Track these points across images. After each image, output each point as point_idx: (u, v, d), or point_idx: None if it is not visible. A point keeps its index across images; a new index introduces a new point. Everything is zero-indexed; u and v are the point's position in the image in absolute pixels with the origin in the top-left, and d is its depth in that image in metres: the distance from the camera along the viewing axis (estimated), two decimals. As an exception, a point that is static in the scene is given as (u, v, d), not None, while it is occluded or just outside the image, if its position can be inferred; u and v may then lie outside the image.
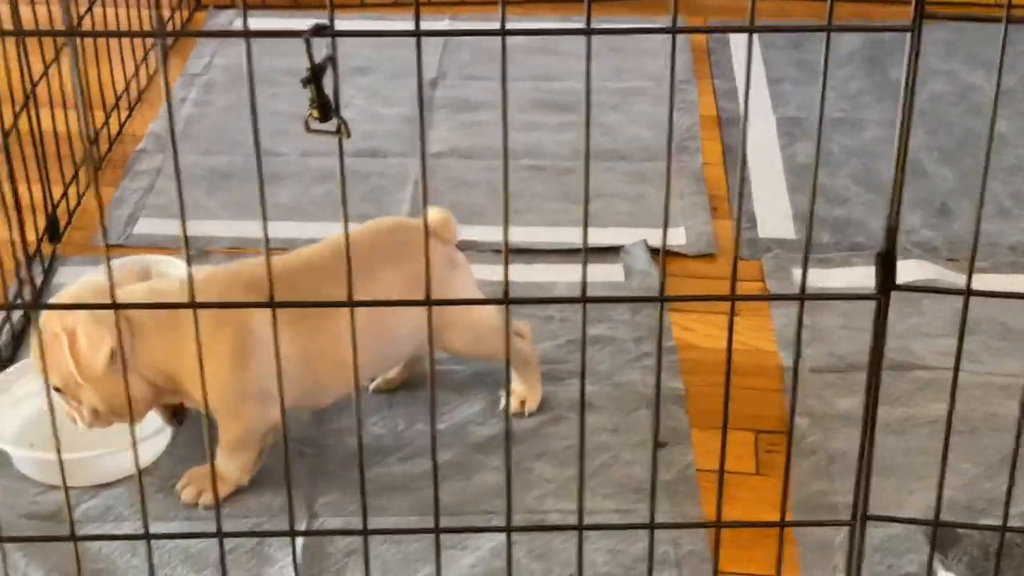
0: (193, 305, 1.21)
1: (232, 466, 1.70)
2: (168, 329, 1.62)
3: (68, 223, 2.30)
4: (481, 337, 1.80)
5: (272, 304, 1.22)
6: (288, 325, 1.61)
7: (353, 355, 1.25)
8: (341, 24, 1.09)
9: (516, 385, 1.88)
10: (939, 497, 1.31)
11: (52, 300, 1.69)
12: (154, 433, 1.74)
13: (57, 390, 1.63)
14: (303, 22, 1.07)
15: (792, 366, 1.93)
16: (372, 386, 1.89)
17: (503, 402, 1.84)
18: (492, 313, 1.81)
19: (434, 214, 1.76)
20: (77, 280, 1.75)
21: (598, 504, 1.72)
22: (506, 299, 1.21)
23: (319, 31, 1.06)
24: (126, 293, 1.63)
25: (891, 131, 2.55)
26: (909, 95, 1.11)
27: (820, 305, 2.07)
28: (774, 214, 2.35)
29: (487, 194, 2.39)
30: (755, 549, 1.67)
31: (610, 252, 2.23)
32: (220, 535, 1.32)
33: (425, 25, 1.13)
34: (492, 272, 2.16)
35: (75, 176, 2.37)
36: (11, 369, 1.85)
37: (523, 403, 1.87)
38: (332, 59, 1.08)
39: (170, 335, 1.61)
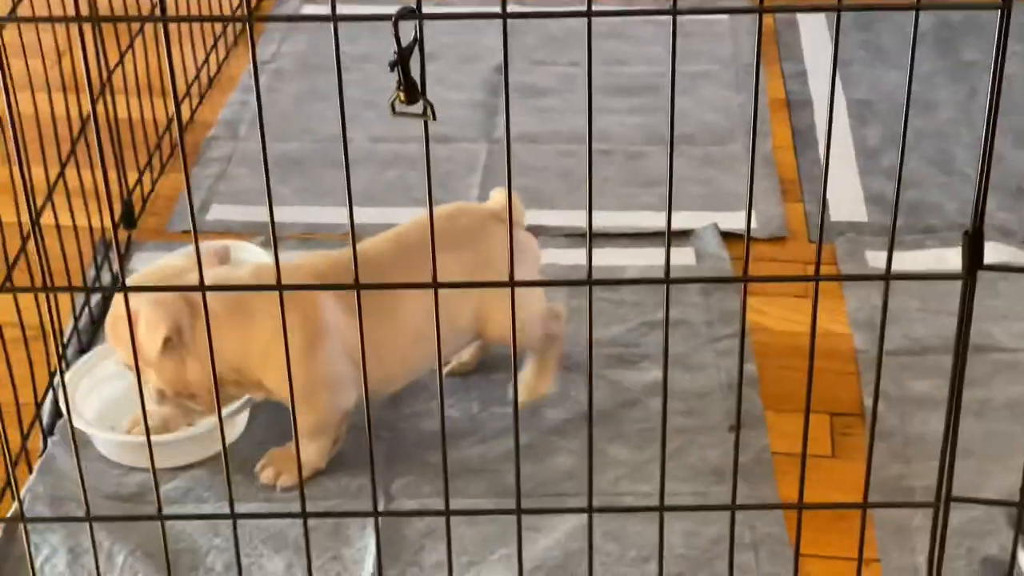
0: (280, 287, 1.22)
1: (309, 450, 1.72)
2: (237, 317, 1.63)
3: (143, 209, 2.33)
4: (522, 329, 1.74)
5: (357, 286, 1.22)
6: (351, 320, 1.63)
7: (436, 336, 1.26)
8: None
9: (527, 375, 1.83)
10: (1024, 478, 1.30)
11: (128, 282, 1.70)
12: (232, 414, 1.76)
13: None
14: (384, 7, 1.08)
15: (872, 348, 1.93)
16: (447, 370, 1.90)
17: (511, 390, 1.81)
18: (536, 301, 1.79)
19: (500, 197, 1.77)
20: (156, 262, 1.77)
21: (674, 487, 1.72)
22: (589, 280, 1.21)
23: (406, 14, 1.07)
24: (194, 278, 1.64)
25: (963, 113, 2.55)
26: (998, 73, 1.10)
27: (895, 288, 2.04)
28: (846, 197, 2.33)
29: (556, 179, 2.39)
30: (831, 532, 1.66)
31: (681, 236, 2.23)
32: (304, 515, 1.34)
33: (491, 9, 1.14)
34: (563, 256, 2.16)
35: (149, 162, 2.39)
36: (92, 352, 1.87)
37: (534, 390, 1.82)
38: (419, 42, 1.08)
39: (238, 323, 1.63)
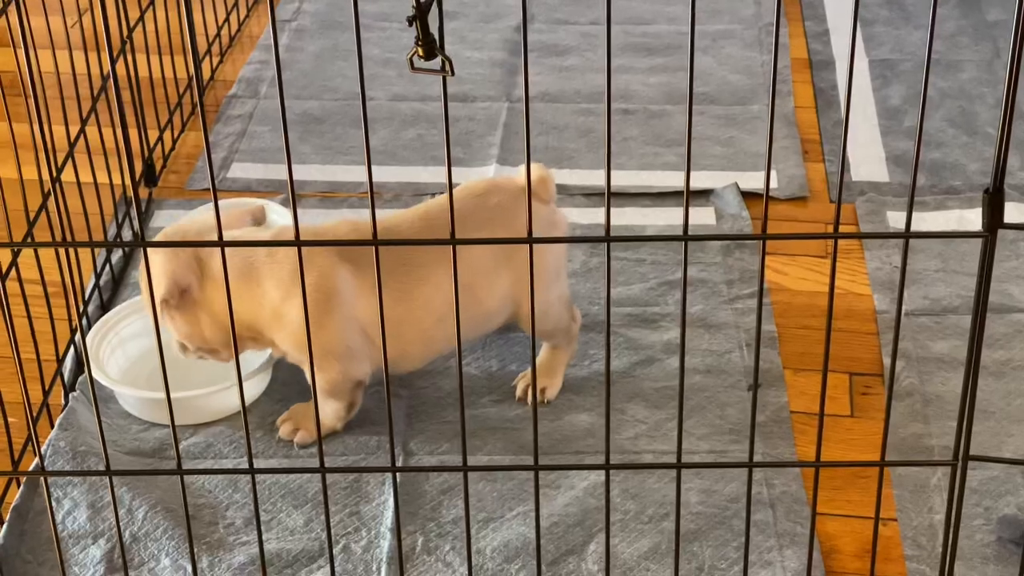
0: (298, 243, 1.23)
1: (325, 410, 1.72)
2: (247, 279, 1.63)
3: (163, 167, 2.34)
4: (548, 312, 1.75)
5: (375, 242, 1.23)
6: (375, 288, 1.62)
7: (455, 301, 1.26)
8: (446, -39, 1.09)
9: (538, 371, 1.80)
10: (1043, 437, 1.30)
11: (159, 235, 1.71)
12: (254, 373, 1.77)
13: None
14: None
15: (892, 308, 1.92)
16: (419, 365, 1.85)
17: (519, 388, 1.81)
18: (564, 286, 1.79)
19: (533, 173, 1.71)
20: (188, 216, 1.77)
21: (692, 445, 1.73)
22: (608, 237, 1.21)
23: (425, -31, 1.06)
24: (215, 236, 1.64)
25: (987, 73, 2.53)
26: (1020, 31, 1.10)
27: (915, 248, 2.05)
28: (868, 157, 2.32)
29: (577, 138, 2.39)
30: (849, 491, 1.67)
31: (701, 195, 2.22)
32: (323, 470, 1.34)
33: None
34: (583, 215, 2.16)
35: (170, 121, 2.40)
36: (115, 309, 1.88)
37: (543, 391, 1.80)
38: (437, -3, 1.08)
39: (249, 285, 1.63)
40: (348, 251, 1.65)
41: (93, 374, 1.63)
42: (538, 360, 1.81)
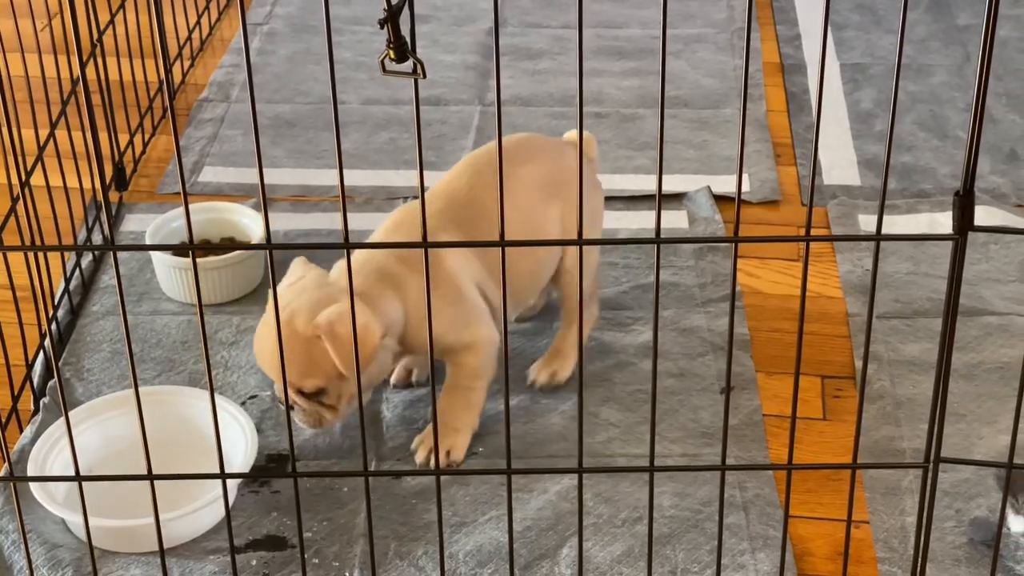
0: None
1: (476, 399, 1.72)
2: (393, 290, 1.63)
3: (134, 171, 2.32)
4: (589, 269, 1.83)
5: (347, 245, 1.22)
6: (471, 255, 1.68)
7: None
8: (417, -36, 1.09)
9: (550, 355, 1.84)
10: (1013, 439, 1.30)
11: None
12: (213, 500, 1.60)
13: (313, 394, 1.62)
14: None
15: (864, 311, 1.93)
16: (515, 316, 1.91)
17: (532, 370, 1.84)
18: (597, 251, 1.87)
19: (572, 133, 1.84)
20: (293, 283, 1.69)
21: (665, 448, 1.73)
22: (580, 240, 1.21)
23: (396, -29, 1.06)
24: (311, 282, 1.63)
25: (958, 77, 2.54)
26: (990, 35, 1.10)
27: (887, 251, 2.06)
28: (839, 161, 2.33)
29: (549, 141, 2.38)
30: (822, 493, 1.67)
31: (674, 199, 2.23)
32: (295, 475, 1.34)
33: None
34: (556, 219, 2.16)
35: (140, 125, 2.38)
36: (70, 414, 1.64)
37: (555, 373, 1.83)
38: (409, 0, 1.08)
39: (396, 296, 1.63)
40: (440, 226, 1.68)
41: (38, 495, 1.57)
42: (555, 342, 1.86)
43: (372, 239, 1.72)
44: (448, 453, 1.71)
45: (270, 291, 1.63)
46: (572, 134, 1.86)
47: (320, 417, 1.64)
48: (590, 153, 1.84)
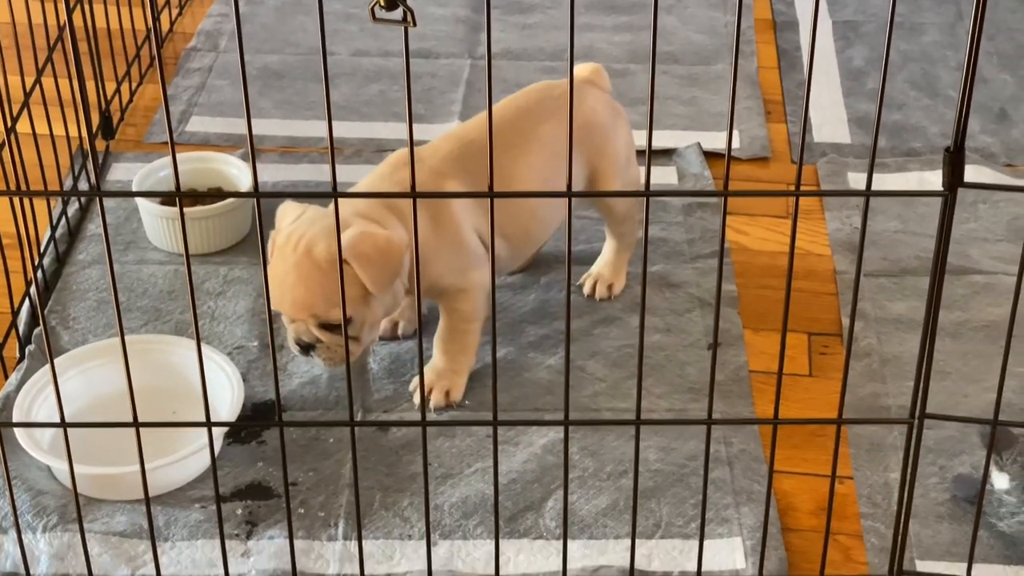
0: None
1: (471, 341, 1.72)
2: (398, 220, 1.63)
3: (121, 120, 2.31)
4: (631, 189, 1.86)
5: (335, 194, 1.21)
6: (475, 204, 1.67)
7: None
8: (409, -90, 1.07)
9: (604, 269, 1.91)
10: (999, 396, 1.31)
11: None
12: (199, 449, 1.60)
13: (337, 326, 1.59)
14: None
15: (852, 269, 1.93)
16: (514, 267, 1.91)
17: (587, 286, 1.91)
18: (634, 177, 1.87)
19: (586, 67, 1.84)
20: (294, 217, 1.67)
21: (651, 403, 1.73)
22: (568, 192, 1.21)
23: (387, -83, 1.05)
24: (314, 214, 1.62)
25: (950, 36, 2.53)
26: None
27: (875, 210, 2.06)
28: (830, 119, 2.32)
29: (539, 95, 2.37)
30: (807, 449, 1.67)
31: (663, 155, 2.22)
32: (280, 424, 1.34)
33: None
34: (545, 173, 2.15)
35: (127, 73, 2.37)
36: (58, 360, 1.70)
37: (610, 287, 1.90)
38: (399, -54, 1.07)
39: (401, 225, 1.62)
40: (449, 170, 1.68)
41: (24, 442, 1.57)
42: (602, 258, 1.92)
43: (373, 175, 1.71)
44: (448, 394, 1.72)
45: (272, 232, 1.62)
46: (583, 69, 1.85)
47: (344, 352, 1.57)
48: (604, 84, 1.85)
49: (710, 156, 2.21)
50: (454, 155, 1.70)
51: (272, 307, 1.63)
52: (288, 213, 1.64)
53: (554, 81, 1.87)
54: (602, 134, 1.79)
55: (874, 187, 2.12)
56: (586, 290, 1.91)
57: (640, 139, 2.25)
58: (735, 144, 2.26)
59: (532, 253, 1.90)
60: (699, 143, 2.23)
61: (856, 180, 2.14)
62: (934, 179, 2.14)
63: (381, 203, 1.63)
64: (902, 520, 1.41)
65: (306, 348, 1.62)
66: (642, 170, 2.14)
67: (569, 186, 1.20)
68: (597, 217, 2.06)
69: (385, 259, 1.57)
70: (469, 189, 1.67)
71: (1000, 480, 1.51)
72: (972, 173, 2.11)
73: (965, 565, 1.43)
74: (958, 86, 2.25)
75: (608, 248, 1.91)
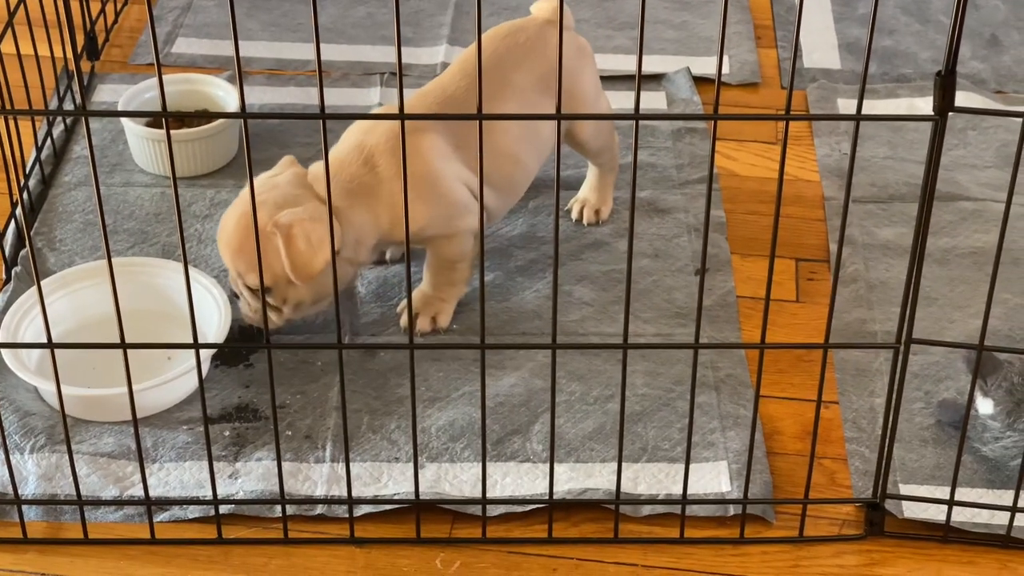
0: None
1: (461, 277, 1.73)
2: (366, 198, 1.62)
3: (106, 40, 2.29)
4: (603, 129, 1.85)
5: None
6: (457, 152, 1.65)
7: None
8: None
9: (590, 194, 1.91)
10: (985, 322, 1.31)
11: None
12: (187, 371, 1.60)
13: (257, 291, 1.60)
14: None
15: (840, 195, 1.93)
16: (507, 210, 1.88)
17: (575, 211, 1.91)
18: (605, 108, 1.85)
19: (547, 6, 1.81)
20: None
21: (639, 328, 1.73)
22: (559, 115, 1.20)
23: None
24: (285, 179, 1.62)
25: (944, -42, 2.51)
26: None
27: (864, 136, 2.05)
28: (820, 44, 2.31)
29: (528, 19, 2.35)
30: (793, 374, 1.68)
31: (653, 80, 2.21)
32: (268, 346, 1.34)
33: None
34: (533, 97, 2.14)
35: (113, -7, 2.34)
36: (44, 281, 1.69)
37: (597, 212, 1.90)
38: None
39: (369, 203, 1.61)
40: (428, 125, 1.66)
41: (11, 363, 1.57)
42: (588, 184, 1.92)
43: (346, 142, 1.68)
44: (434, 319, 1.72)
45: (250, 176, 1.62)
46: (544, 8, 1.82)
47: (262, 316, 1.58)
48: (567, 21, 1.82)
49: (699, 81, 2.20)
50: (432, 111, 1.68)
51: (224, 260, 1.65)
52: (276, 167, 1.65)
53: (517, 22, 1.81)
54: (570, 76, 1.76)
55: (864, 113, 2.12)
56: (574, 215, 1.91)
57: (630, 63, 2.24)
58: (725, 69, 2.24)
59: (519, 196, 1.88)
60: (688, 68, 2.22)
61: (846, 106, 2.14)
62: (924, 105, 2.13)
63: (349, 186, 1.62)
64: (886, 444, 1.42)
65: (233, 295, 1.66)
66: (631, 95, 2.14)
67: (559, 108, 1.20)
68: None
69: (309, 256, 1.56)
70: (445, 140, 1.65)
71: (984, 405, 1.52)
72: (962, 99, 2.11)
73: (948, 489, 1.44)
74: (949, 11, 2.23)
75: (592, 173, 1.91)
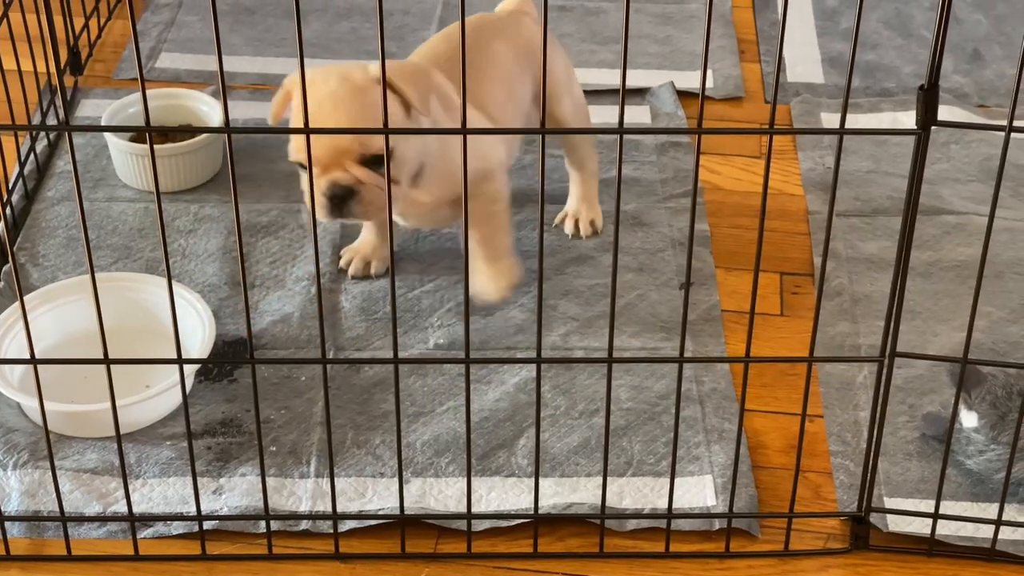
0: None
1: (502, 237, 1.74)
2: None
3: (89, 55, 2.28)
4: (580, 108, 1.88)
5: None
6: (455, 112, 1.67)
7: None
8: None
9: (579, 205, 1.92)
10: (968, 335, 1.32)
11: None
12: (170, 386, 1.58)
13: (378, 163, 1.55)
14: None
15: (824, 209, 1.93)
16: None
17: (568, 225, 1.92)
18: (577, 99, 1.88)
19: (513, 2, 1.86)
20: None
21: (624, 342, 1.73)
22: (543, 129, 1.20)
23: None
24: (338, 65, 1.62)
25: (925, -26, 2.52)
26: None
27: (848, 150, 2.06)
28: (803, 58, 2.32)
29: (512, 33, 2.36)
30: (778, 388, 1.68)
31: (637, 94, 2.21)
32: (252, 361, 1.33)
33: None
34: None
35: (96, 8, 2.34)
36: (27, 296, 1.67)
37: (592, 223, 1.91)
38: None
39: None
40: (439, 65, 1.69)
41: None
42: (573, 195, 1.93)
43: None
44: (507, 279, 1.74)
45: (278, 91, 1.60)
46: (507, 4, 1.88)
47: (383, 199, 1.52)
48: (532, 11, 1.88)
49: (683, 96, 2.21)
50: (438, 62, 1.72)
51: (296, 157, 1.58)
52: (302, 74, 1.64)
53: (488, 14, 1.87)
54: (541, 55, 1.78)
55: (847, 127, 2.13)
56: (568, 229, 1.91)
57: (614, 78, 2.24)
58: (709, 84, 2.25)
59: (511, 161, 1.86)
60: (672, 82, 2.22)
61: (829, 120, 2.14)
62: (907, 119, 2.14)
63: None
64: (871, 458, 1.42)
65: (342, 199, 1.55)
66: (615, 109, 2.14)
67: (543, 123, 1.20)
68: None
69: (417, 77, 1.59)
70: (449, 87, 1.67)
71: (969, 419, 1.52)
72: (945, 113, 2.11)
73: (933, 502, 1.45)
74: (931, 26, 2.25)
75: (575, 182, 1.91)
